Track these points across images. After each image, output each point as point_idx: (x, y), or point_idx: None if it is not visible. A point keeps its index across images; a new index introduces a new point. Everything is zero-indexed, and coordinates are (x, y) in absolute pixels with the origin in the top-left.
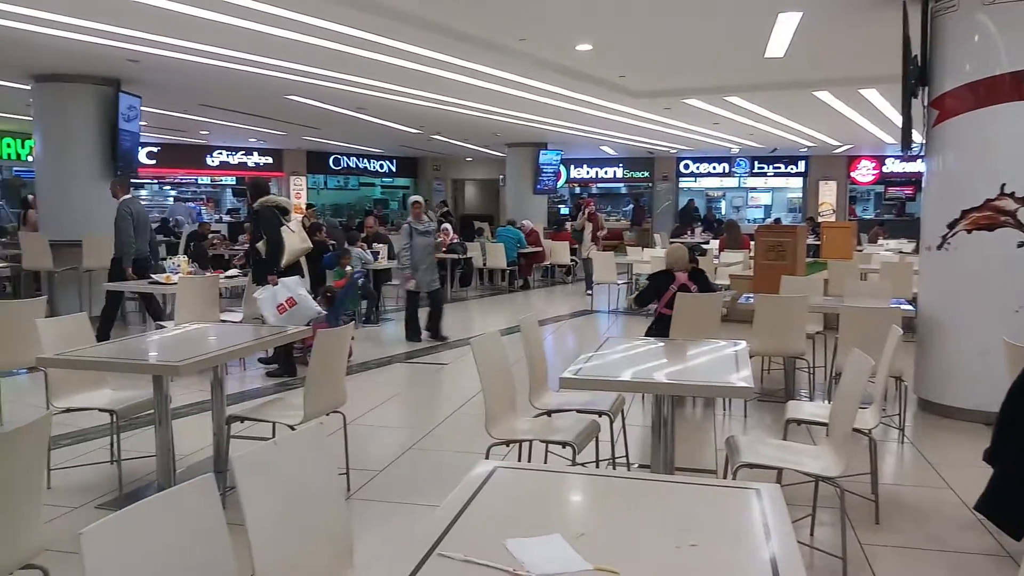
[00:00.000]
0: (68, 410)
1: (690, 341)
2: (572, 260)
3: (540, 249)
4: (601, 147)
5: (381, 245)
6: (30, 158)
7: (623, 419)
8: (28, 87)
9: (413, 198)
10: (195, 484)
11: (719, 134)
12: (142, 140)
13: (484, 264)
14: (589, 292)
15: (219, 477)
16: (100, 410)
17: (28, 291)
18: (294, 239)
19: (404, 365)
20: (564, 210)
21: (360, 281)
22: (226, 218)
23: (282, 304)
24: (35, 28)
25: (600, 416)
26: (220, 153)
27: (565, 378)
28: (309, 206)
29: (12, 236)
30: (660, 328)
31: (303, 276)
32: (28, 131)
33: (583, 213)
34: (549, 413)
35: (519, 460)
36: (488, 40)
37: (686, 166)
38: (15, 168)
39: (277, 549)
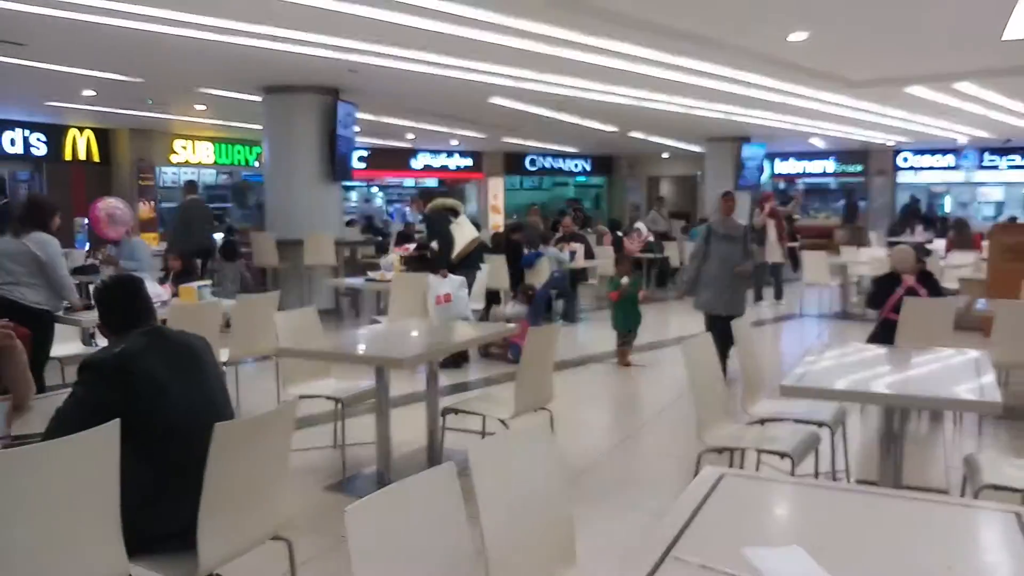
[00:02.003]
0: (300, 397)
1: (919, 349)
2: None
3: None
4: (809, 140)
5: (577, 245)
6: (256, 164)
7: (844, 431)
8: (259, 98)
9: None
10: (441, 471)
11: (944, 124)
12: (355, 145)
13: (681, 263)
14: (780, 301)
15: (430, 467)
16: (327, 398)
17: (256, 286)
18: (462, 234)
19: (602, 365)
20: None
21: (557, 278)
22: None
23: (440, 296)
24: (269, 45)
25: (820, 427)
26: (424, 155)
27: (788, 386)
28: (531, 204)
29: (238, 234)
30: (885, 335)
31: (478, 269)
32: (255, 139)
33: (761, 209)
34: (763, 421)
35: (729, 467)
36: (698, 34)
37: (905, 159)
38: (243, 173)
39: (507, 538)
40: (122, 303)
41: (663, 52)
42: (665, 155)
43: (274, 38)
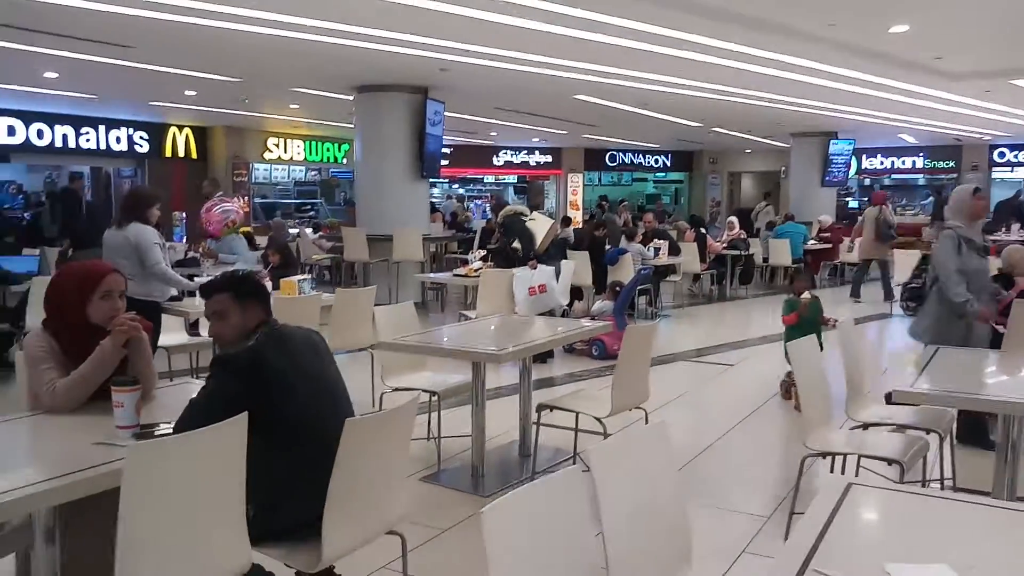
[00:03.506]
0: (396, 389)
1: None
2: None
3: (830, 246)
4: (899, 135)
5: (661, 241)
6: (344, 161)
7: (952, 438)
8: (351, 97)
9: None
10: (567, 474)
11: None
12: (443, 143)
13: (766, 261)
14: (857, 299)
15: (523, 461)
16: (424, 391)
17: (346, 280)
18: (538, 226)
19: (688, 363)
20: (853, 203)
21: (643, 275)
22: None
23: (533, 287)
24: (364, 44)
25: (928, 433)
26: (505, 152)
27: (902, 391)
28: (621, 200)
29: (330, 229)
30: (994, 339)
31: (561, 263)
32: (343, 137)
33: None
34: (866, 426)
35: (831, 472)
36: (793, 27)
37: (1001, 154)
38: (332, 170)
39: (627, 540)
40: (259, 296)
41: (753, 47)
42: (747, 150)
43: (368, 38)
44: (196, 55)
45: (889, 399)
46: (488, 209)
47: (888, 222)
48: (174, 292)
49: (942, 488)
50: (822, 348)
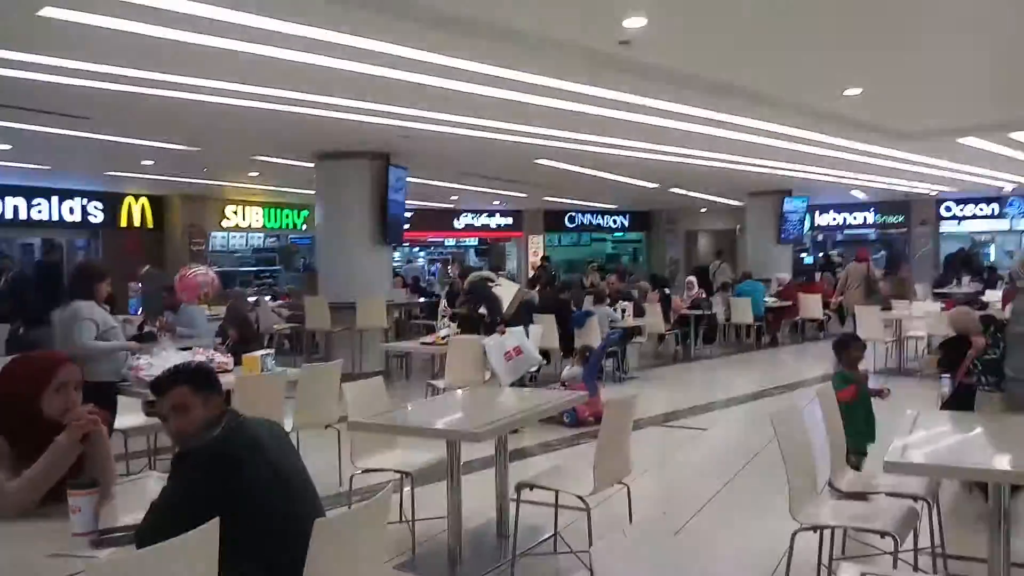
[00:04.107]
0: (367, 471)
1: (1010, 416)
2: (825, 315)
3: (790, 303)
4: (851, 191)
5: (626, 303)
6: (304, 227)
7: (938, 505)
8: (311, 164)
9: None
10: None
11: (991, 172)
12: (405, 208)
13: (728, 320)
14: None
15: (502, 542)
16: (395, 471)
17: (308, 349)
18: (505, 291)
19: (659, 428)
20: (808, 259)
21: (614, 339)
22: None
23: (509, 351)
24: (322, 112)
25: (916, 501)
26: (466, 216)
27: (892, 462)
28: (590, 262)
29: (289, 297)
30: (962, 401)
31: (531, 322)
32: (303, 203)
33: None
34: (852, 496)
35: (820, 546)
36: (753, 91)
37: (947, 208)
38: (291, 236)
39: None
40: (217, 385)
41: (712, 110)
42: (703, 209)
43: (328, 106)
44: (153, 125)
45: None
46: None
47: (875, 277)
48: (126, 372)
49: (934, 557)
50: (874, 434)
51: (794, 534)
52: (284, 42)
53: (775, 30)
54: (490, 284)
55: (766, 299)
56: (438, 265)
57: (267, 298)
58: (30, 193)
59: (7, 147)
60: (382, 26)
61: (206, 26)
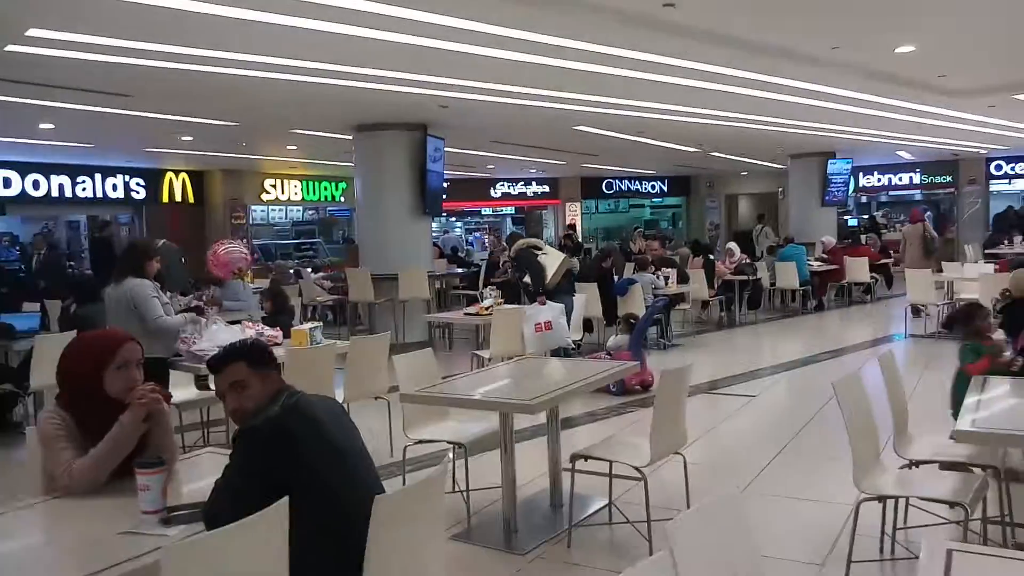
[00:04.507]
0: (420, 441)
1: None
2: (872, 277)
3: (837, 267)
4: (897, 152)
5: (669, 269)
6: (342, 199)
7: (1005, 473)
8: (350, 137)
9: None
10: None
11: None
12: (444, 178)
13: (773, 284)
14: None
15: (556, 512)
16: (449, 442)
17: (351, 321)
18: (550, 260)
19: (708, 396)
20: (852, 222)
21: (660, 306)
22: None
23: (540, 324)
24: (361, 84)
25: (985, 470)
26: (502, 185)
27: (963, 431)
28: (635, 227)
29: (331, 269)
30: None
31: (572, 297)
32: (340, 175)
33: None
34: (916, 464)
35: (883, 515)
36: (796, 51)
37: (998, 167)
38: (329, 208)
39: None
40: (274, 362)
41: (755, 71)
42: (744, 173)
43: (367, 78)
44: (193, 101)
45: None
46: (487, 241)
47: (932, 236)
48: (181, 348)
49: (1003, 527)
50: None
51: (858, 504)
52: (322, 14)
53: None
54: (536, 252)
55: (811, 262)
56: (476, 235)
57: (308, 270)
58: (74, 171)
59: (51, 126)
60: None
61: (248, 1)
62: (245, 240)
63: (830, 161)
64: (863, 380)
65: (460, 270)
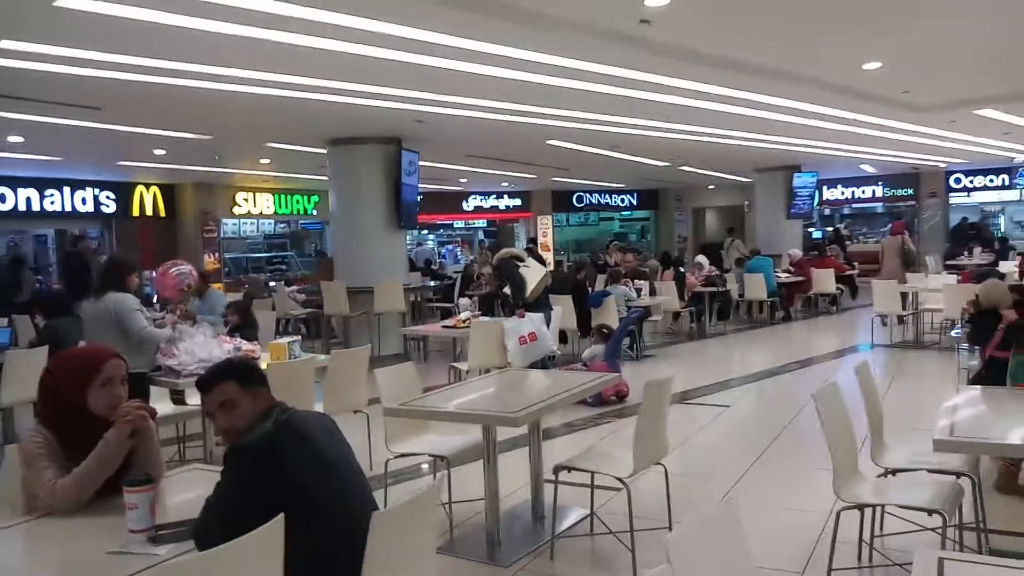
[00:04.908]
0: (401, 455)
1: None
2: (838, 288)
3: (805, 278)
4: (860, 165)
5: (642, 282)
6: (315, 212)
7: (980, 481)
8: (324, 151)
9: None
10: None
11: (1007, 144)
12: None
13: (741, 296)
14: None
15: (538, 523)
16: (431, 455)
17: (325, 334)
18: (531, 274)
19: (681, 406)
20: (816, 234)
21: (634, 318)
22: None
23: (524, 336)
24: (337, 98)
25: (958, 477)
26: (475, 198)
27: (942, 440)
28: (612, 241)
29: (303, 282)
30: (994, 375)
31: (551, 308)
32: (313, 188)
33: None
34: (893, 472)
35: (860, 523)
36: (766, 67)
37: (957, 180)
38: (301, 222)
39: None
40: (264, 380)
41: (730, 87)
42: (711, 186)
43: (342, 92)
44: (166, 114)
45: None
46: (459, 253)
47: (911, 248)
48: (160, 361)
49: (978, 533)
50: None
51: (839, 512)
52: (297, 27)
53: (797, 6)
54: (518, 264)
55: (778, 274)
56: (448, 247)
57: (282, 283)
58: (42, 184)
59: (20, 139)
60: (394, 8)
61: (218, 12)
62: (213, 252)
63: (795, 175)
64: (841, 391)
65: (434, 283)
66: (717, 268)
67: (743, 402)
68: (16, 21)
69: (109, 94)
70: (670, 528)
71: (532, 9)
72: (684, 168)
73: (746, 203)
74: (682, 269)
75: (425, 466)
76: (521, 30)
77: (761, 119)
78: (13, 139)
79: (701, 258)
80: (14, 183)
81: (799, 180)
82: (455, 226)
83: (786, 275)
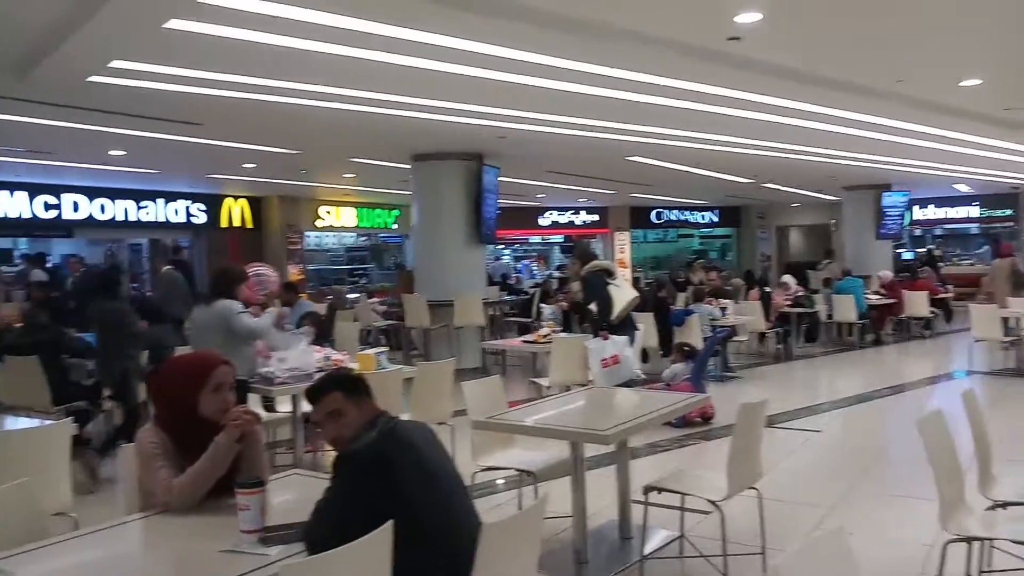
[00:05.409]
0: (487, 468)
1: None
2: (932, 312)
3: (896, 300)
4: (953, 185)
5: (726, 301)
6: (395, 226)
7: None
8: (407, 166)
9: None
10: None
11: None
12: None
13: (830, 317)
14: None
15: (624, 543)
16: (518, 470)
17: (405, 346)
18: (621, 294)
19: (769, 430)
20: (907, 255)
21: (720, 337)
22: (556, 274)
23: (607, 359)
24: (422, 115)
25: None
26: (551, 213)
27: None
28: (696, 258)
29: (382, 295)
30: None
31: (636, 329)
32: (394, 203)
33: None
34: (1004, 505)
35: (968, 557)
36: (859, 84)
37: None
38: (381, 235)
39: None
40: (368, 390)
41: (820, 104)
42: (795, 204)
43: (428, 109)
44: (259, 129)
45: None
46: (535, 268)
47: (1021, 271)
48: (260, 369)
49: None
50: None
51: (945, 545)
52: (387, 45)
53: (893, 22)
54: (608, 281)
55: (869, 296)
56: (524, 263)
57: (364, 295)
58: (138, 196)
59: (122, 153)
60: (484, 28)
61: (309, 31)
62: (297, 263)
63: (885, 193)
64: (946, 419)
65: (511, 297)
66: (803, 288)
67: (833, 427)
68: (127, 42)
69: (208, 110)
70: (763, 554)
71: (619, 28)
72: (768, 185)
73: (833, 222)
74: (767, 289)
75: (500, 481)
76: (606, 47)
77: (849, 136)
78: (116, 153)
79: (787, 278)
80: (114, 194)
81: (889, 199)
82: (531, 241)
83: (876, 297)
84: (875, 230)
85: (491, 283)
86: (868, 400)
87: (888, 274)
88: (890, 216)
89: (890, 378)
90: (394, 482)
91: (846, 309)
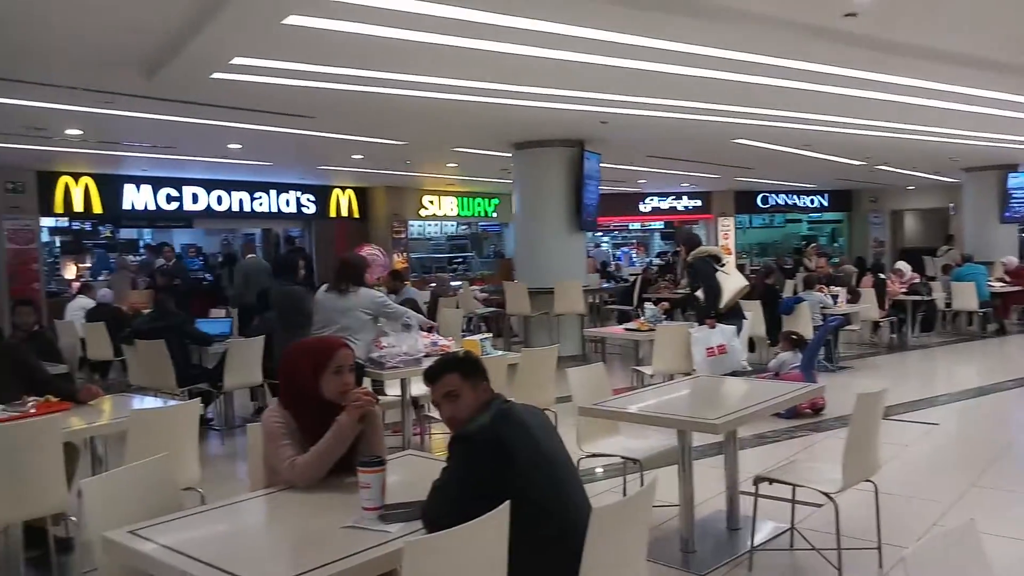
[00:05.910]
0: (593, 455)
1: None
2: None
3: (1020, 288)
4: None
5: (839, 288)
6: (495, 214)
7: None
8: (508, 155)
9: None
10: None
11: None
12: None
13: (948, 306)
14: None
15: (732, 534)
16: (623, 458)
17: (505, 332)
18: (730, 282)
19: (884, 422)
20: None
21: (833, 326)
22: (656, 261)
23: (713, 348)
24: (525, 102)
25: None
26: (651, 199)
27: None
28: (810, 243)
29: (482, 282)
30: None
31: (744, 318)
32: (494, 192)
33: None
34: None
35: None
36: (982, 58)
37: None
38: (481, 223)
39: None
40: (484, 372)
41: (936, 81)
42: (910, 187)
43: (531, 96)
44: (368, 122)
45: None
46: (634, 255)
47: None
48: (372, 354)
49: None
50: None
51: None
52: (488, 33)
53: None
54: (716, 267)
55: (992, 283)
56: (623, 250)
57: (467, 283)
58: (252, 187)
59: (238, 146)
60: (582, 11)
61: (414, 21)
62: (401, 252)
63: (1011, 175)
64: None
65: (610, 284)
66: (920, 275)
67: (953, 420)
68: (248, 39)
69: (321, 103)
70: (879, 550)
71: (729, 7)
72: (881, 167)
73: (951, 205)
74: (882, 275)
75: (600, 469)
76: (713, 27)
77: (971, 114)
78: (233, 146)
79: (902, 264)
80: (230, 186)
81: (1015, 180)
82: (630, 228)
83: (1000, 284)
84: (999, 213)
85: (595, 270)
86: (990, 393)
87: (1013, 260)
88: (1016, 198)
89: (1015, 370)
90: (508, 463)
91: (967, 297)
